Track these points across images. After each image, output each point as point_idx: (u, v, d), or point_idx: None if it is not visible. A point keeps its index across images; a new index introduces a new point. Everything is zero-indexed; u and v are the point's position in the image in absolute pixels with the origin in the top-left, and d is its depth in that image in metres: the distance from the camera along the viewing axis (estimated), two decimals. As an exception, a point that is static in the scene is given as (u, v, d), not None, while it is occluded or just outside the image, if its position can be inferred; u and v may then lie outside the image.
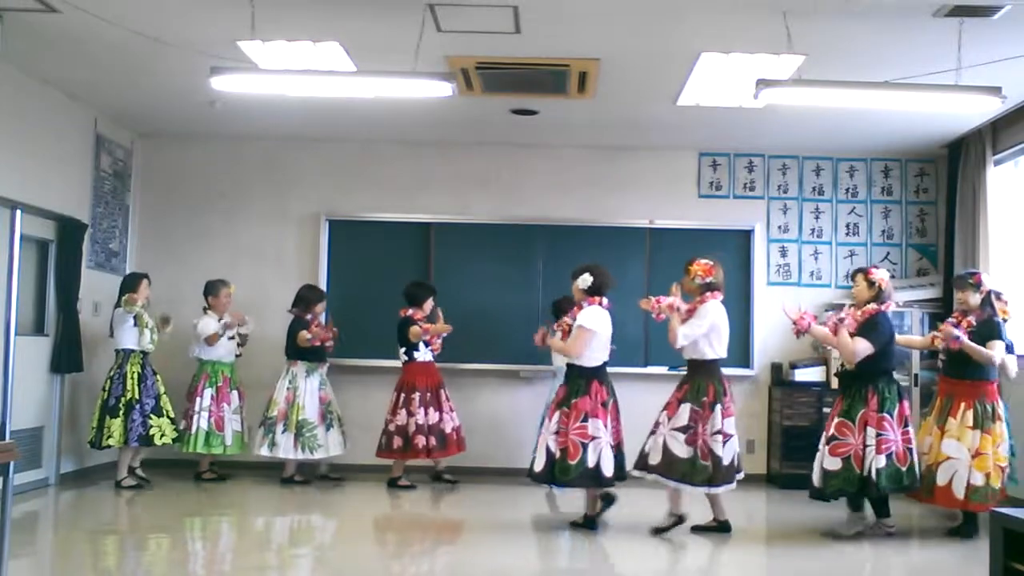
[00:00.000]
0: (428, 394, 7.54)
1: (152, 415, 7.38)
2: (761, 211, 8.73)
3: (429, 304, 7.66)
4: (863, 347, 5.88)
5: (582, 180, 8.72)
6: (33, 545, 5.68)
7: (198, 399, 7.64)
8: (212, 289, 7.81)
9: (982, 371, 5.94)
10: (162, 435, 7.43)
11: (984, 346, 5.88)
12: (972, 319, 6.00)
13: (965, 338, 5.88)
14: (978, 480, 5.82)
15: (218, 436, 7.66)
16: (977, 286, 6.03)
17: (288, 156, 8.80)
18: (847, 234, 8.73)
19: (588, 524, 6.08)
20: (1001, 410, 5.96)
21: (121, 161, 8.45)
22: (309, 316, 7.80)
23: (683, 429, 5.81)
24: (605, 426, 5.93)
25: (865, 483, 5.82)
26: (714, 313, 5.92)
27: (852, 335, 5.93)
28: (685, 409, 5.83)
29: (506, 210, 8.66)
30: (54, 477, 7.48)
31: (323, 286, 8.52)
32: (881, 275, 6.08)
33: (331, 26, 5.76)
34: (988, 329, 5.93)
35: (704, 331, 5.87)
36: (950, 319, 6.17)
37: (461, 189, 8.72)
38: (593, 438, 5.88)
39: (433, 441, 7.46)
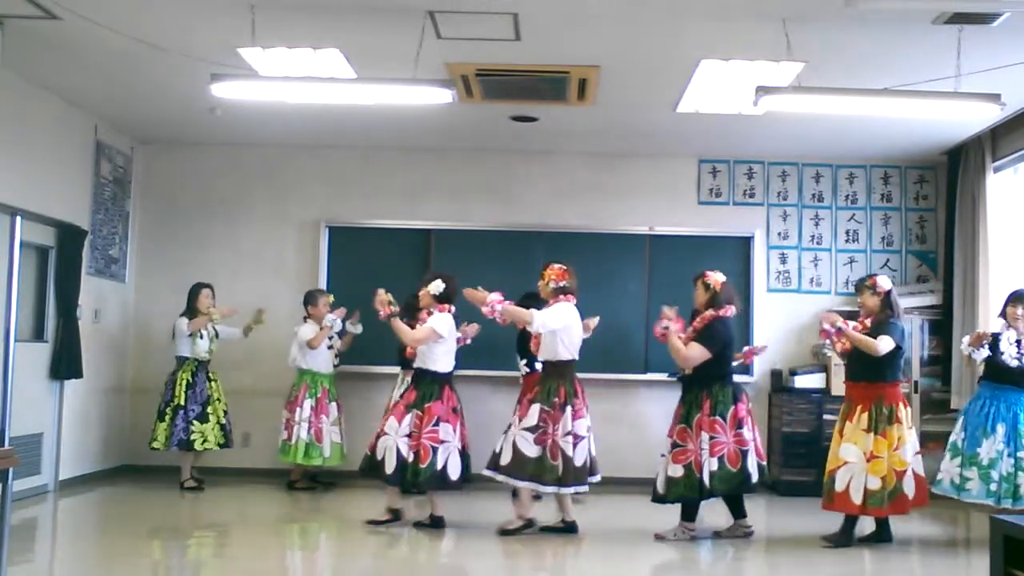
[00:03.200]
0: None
1: (195, 421, 7.56)
2: (761, 218, 8.74)
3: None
4: (697, 353, 5.93)
5: (582, 187, 8.72)
6: (32, 552, 5.67)
7: (298, 410, 7.67)
8: (311, 299, 7.86)
9: (878, 373, 5.90)
10: (204, 441, 7.58)
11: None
12: (868, 321, 6.01)
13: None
14: (874, 484, 5.76)
15: (317, 447, 7.67)
16: (873, 288, 6.06)
17: (288, 163, 8.81)
18: (847, 241, 8.73)
19: (436, 523, 6.20)
20: (903, 413, 5.86)
21: (121, 168, 8.45)
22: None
23: (532, 429, 5.89)
24: (454, 431, 6.13)
25: (702, 487, 5.83)
26: (567, 314, 6.01)
27: (689, 340, 5.99)
28: (535, 410, 5.92)
29: (506, 217, 8.66)
30: (53, 483, 7.47)
31: (323, 293, 8.53)
32: (716, 278, 6.11)
33: (331, 33, 5.77)
34: (877, 328, 5.92)
35: (559, 325, 5.95)
36: (855, 324, 6.09)
37: (461, 196, 8.73)
38: (443, 442, 6.07)
39: None
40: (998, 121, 7.21)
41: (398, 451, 6.00)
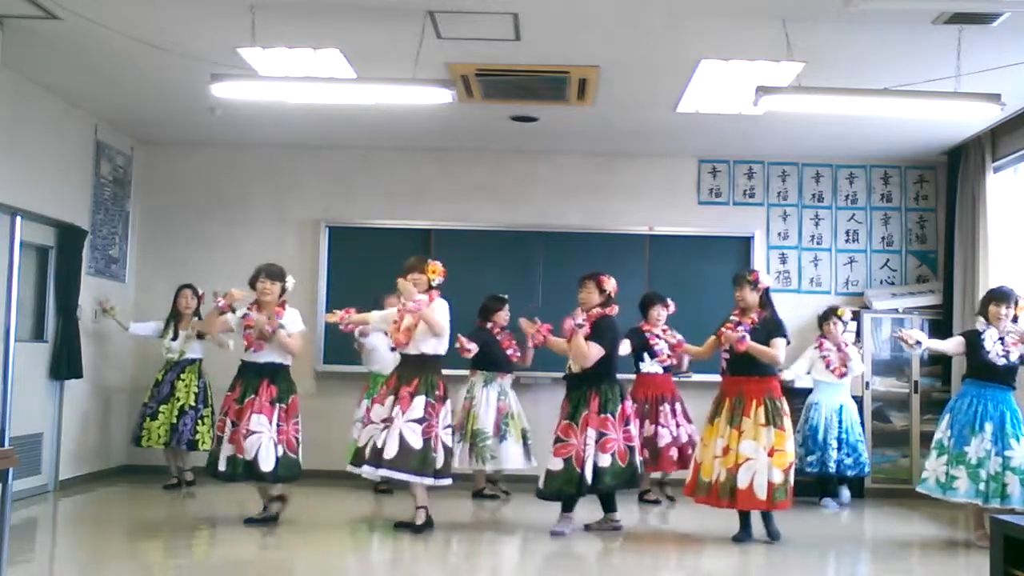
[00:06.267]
0: (647, 406, 7.37)
1: (148, 418, 7.60)
2: (761, 218, 8.74)
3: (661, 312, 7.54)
4: (596, 351, 5.99)
5: (582, 187, 8.73)
6: (32, 552, 5.66)
7: (356, 410, 7.59)
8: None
9: (768, 367, 6.03)
10: (148, 439, 7.60)
11: (768, 343, 5.96)
12: (755, 316, 6.03)
13: (749, 339, 5.90)
14: (777, 478, 5.81)
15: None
16: (755, 283, 6.08)
17: (288, 163, 8.81)
18: (847, 241, 8.73)
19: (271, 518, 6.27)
20: (785, 407, 5.99)
21: (121, 168, 8.46)
22: (489, 325, 7.49)
23: (419, 421, 5.90)
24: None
25: (582, 482, 5.90)
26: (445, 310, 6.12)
27: (588, 339, 6.02)
28: (420, 402, 5.93)
29: (506, 217, 8.66)
30: (53, 483, 7.47)
31: (323, 293, 8.53)
32: (613, 283, 6.14)
33: (331, 33, 5.77)
34: (773, 326, 6.03)
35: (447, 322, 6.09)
36: (732, 317, 6.11)
37: (461, 196, 8.73)
38: (299, 431, 6.26)
39: (646, 454, 7.24)
40: (998, 121, 7.21)
41: (274, 447, 6.02)
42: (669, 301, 7.52)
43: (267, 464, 5.99)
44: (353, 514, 7.04)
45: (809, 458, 7.47)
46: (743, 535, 6.00)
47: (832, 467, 7.46)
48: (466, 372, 7.57)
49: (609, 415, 5.98)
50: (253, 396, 6.05)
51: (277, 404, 6.08)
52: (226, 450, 6.05)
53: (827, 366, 7.56)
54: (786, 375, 7.39)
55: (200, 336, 7.75)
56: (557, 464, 5.97)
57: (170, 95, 7.20)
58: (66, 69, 6.64)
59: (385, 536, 6.01)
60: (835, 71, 5.98)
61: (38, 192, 7.07)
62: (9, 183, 6.65)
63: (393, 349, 6.78)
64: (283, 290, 6.25)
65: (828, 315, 7.63)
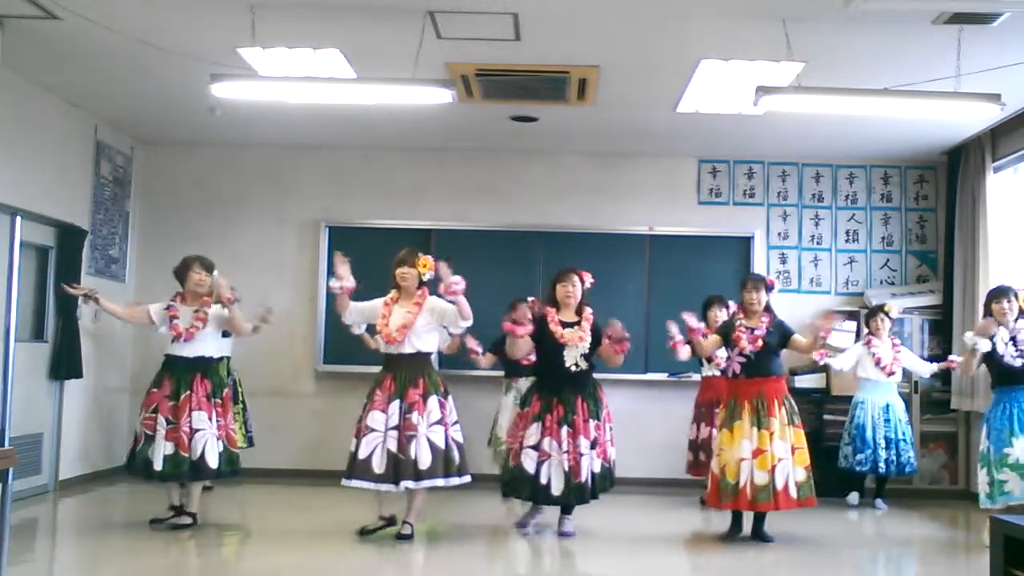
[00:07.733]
0: (702, 409, 7.40)
1: None
2: (761, 218, 8.74)
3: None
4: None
5: (582, 187, 8.73)
6: (32, 552, 5.66)
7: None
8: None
9: (782, 368, 6.12)
10: None
11: (788, 343, 6.04)
12: (764, 320, 6.03)
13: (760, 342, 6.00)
14: (801, 476, 5.84)
15: None
16: (770, 289, 6.14)
17: (288, 163, 8.81)
18: (847, 241, 8.73)
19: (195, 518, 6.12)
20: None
21: (121, 168, 8.46)
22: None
23: (439, 422, 5.81)
24: None
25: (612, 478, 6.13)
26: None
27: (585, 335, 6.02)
28: (434, 402, 5.82)
29: (506, 216, 8.67)
30: (53, 483, 7.47)
31: (323, 293, 8.52)
32: (590, 278, 6.16)
33: (331, 33, 5.77)
34: (785, 327, 6.07)
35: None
36: (740, 321, 6.09)
37: (461, 196, 8.73)
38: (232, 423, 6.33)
39: (703, 456, 7.28)
40: (998, 121, 7.21)
41: (216, 443, 6.03)
42: (730, 302, 7.30)
43: (213, 461, 5.99)
44: (358, 515, 7.03)
45: (859, 456, 7.37)
46: (734, 533, 6.00)
47: (882, 467, 7.35)
48: (500, 374, 7.64)
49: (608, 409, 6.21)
50: (188, 392, 6.00)
51: (213, 399, 6.08)
52: (164, 448, 5.92)
53: (877, 363, 7.42)
54: (833, 365, 7.41)
55: (225, 334, 7.73)
56: (599, 465, 5.96)
57: (170, 95, 7.20)
58: (66, 69, 6.64)
59: (391, 537, 6.00)
60: (835, 71, 5.98)
61: (38, 192, 7.07)
62: (9, 183, 6.65)
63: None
64: (221, 286, 6.23)
65: (875, 312, 7.56)
